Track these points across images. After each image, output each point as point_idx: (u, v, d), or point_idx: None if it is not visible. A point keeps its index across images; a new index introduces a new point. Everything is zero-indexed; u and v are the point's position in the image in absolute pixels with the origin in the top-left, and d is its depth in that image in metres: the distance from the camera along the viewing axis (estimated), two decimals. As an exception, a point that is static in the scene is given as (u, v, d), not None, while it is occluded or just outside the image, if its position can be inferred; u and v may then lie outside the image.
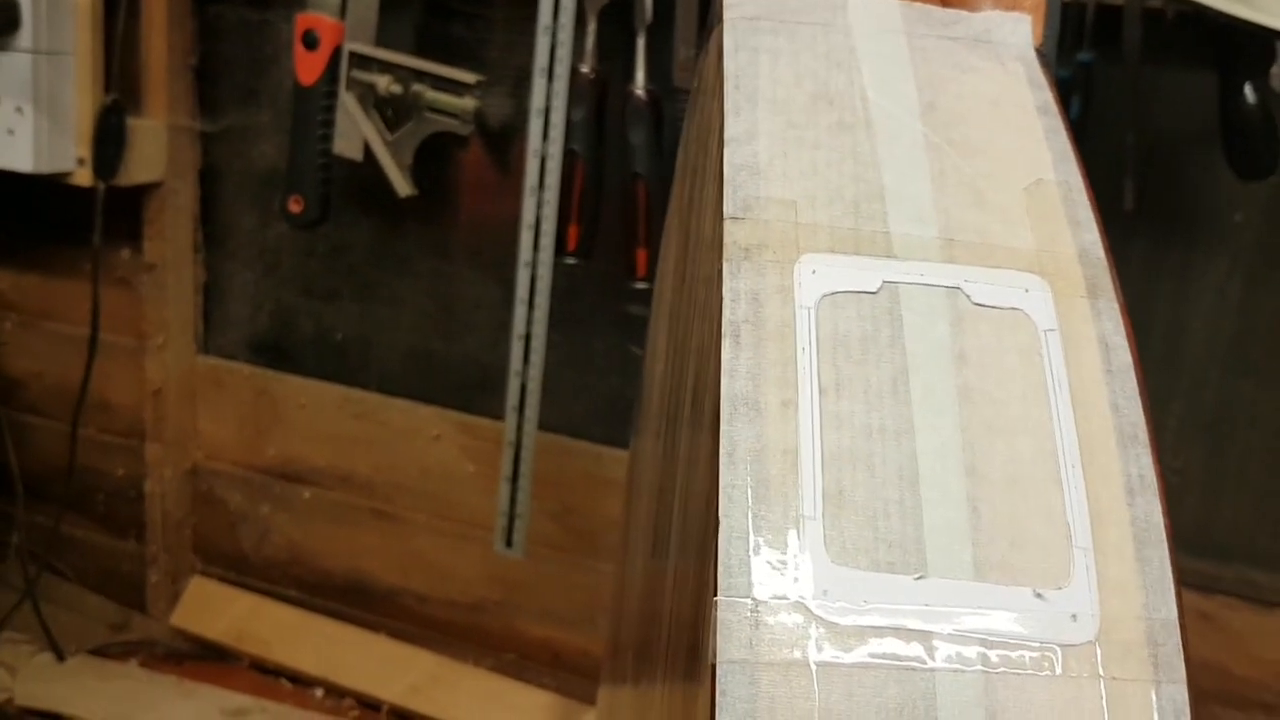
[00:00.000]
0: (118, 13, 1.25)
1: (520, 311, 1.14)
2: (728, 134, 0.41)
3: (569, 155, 1.10)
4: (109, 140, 1.26)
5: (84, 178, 1.26)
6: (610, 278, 1.19)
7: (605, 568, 1.29)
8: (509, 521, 1.19)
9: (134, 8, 1.28)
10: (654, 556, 0.61)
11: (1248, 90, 0.90)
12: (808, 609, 0.32)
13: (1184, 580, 0.34)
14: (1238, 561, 1.07)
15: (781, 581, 0.32)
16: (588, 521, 1.29)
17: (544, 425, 1.17)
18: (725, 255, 0.38)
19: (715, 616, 0.32)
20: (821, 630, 0.32)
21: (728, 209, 0.39)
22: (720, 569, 0.33)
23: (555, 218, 1.11)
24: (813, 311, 0.37)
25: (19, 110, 1.21)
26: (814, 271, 0.38)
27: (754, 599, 0.32)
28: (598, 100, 1.10)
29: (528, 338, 1.14)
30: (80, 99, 1.25)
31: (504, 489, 1.18)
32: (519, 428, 1.16)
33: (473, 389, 1.35)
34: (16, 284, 1.51)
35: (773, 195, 0.39)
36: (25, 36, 1.20)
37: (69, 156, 1.25)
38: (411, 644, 1.41)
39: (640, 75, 1.08)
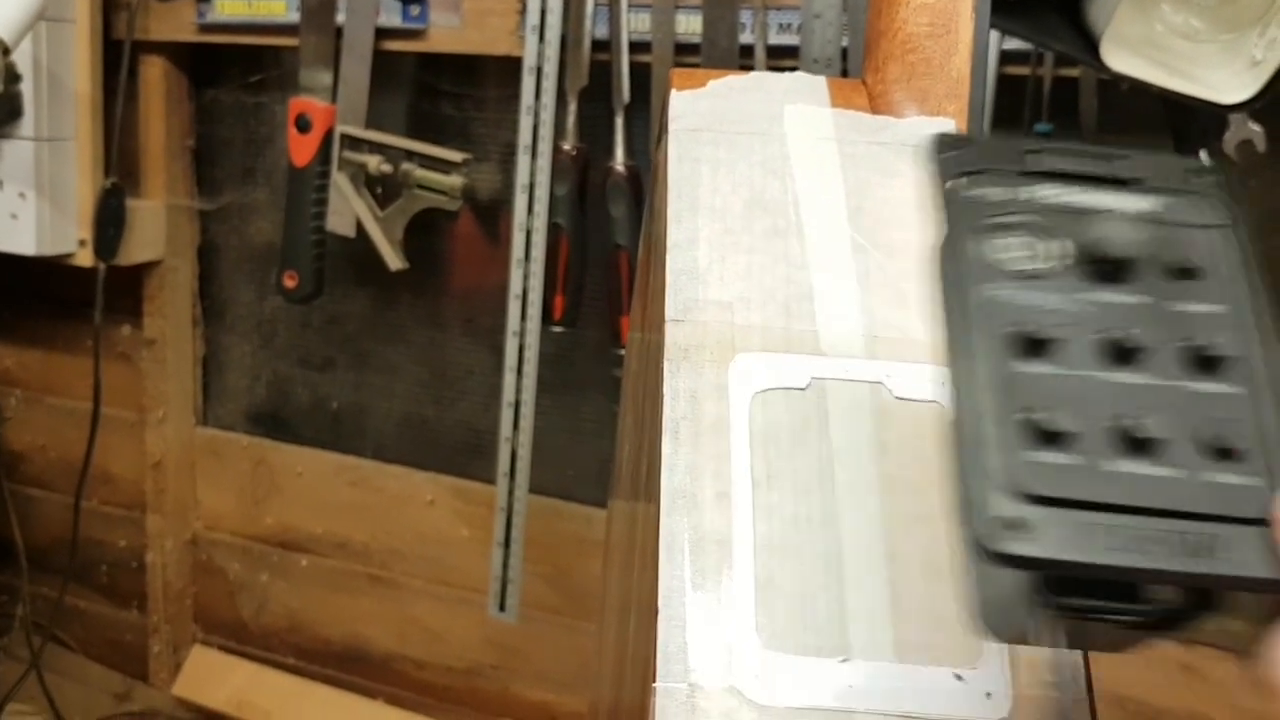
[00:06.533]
0: (116, 99, 1.29)
1: (509, 379, 1.16)
2: (670, 240, 0.44)
3: (553, 229, 1.13)
4: (109, 222, 1.30)
5: (85, 259, 1.30)
6: (596, 344, 1.22)
7: (597, 629, 1.31)
8: (502, 586, 1.20)
9: (132, 93, 1.32)
10: (623, 616, 0.63)
11: (1202, 157, 0.93)
12: (740, 693, 0.35)
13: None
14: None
15: (716, 667, 0.35)
16: (580, 584, 1.31)
17: (535, 488, 1.19)
18: (666, 355, 0.41)
19: (654, 702, 0.34)
20: (753, 713, 0.34)
21: (669, 311, 0.42)
22: (659, 655, 0.35)
23: (541, 288, 1.14)
24: (746, 407, 0.40)
25: (22, 195, 1.25)
26: (747, 369, 0.41)
27: (690, 684, 0.35)
28: (580, 176, 1.13)
29: (517, 405, 1.17)
30: (81, 183, 1.29)
31: (496, 554, 1.20)
32: (510, 493, 1.19)
33: (467, 454, 1.37)
34: (20, 360, 1.54)
35: (710, 298, 0.42)
36: (27, 125, 1.24)
37: (71, 239, 1.29)
38: (409, 710, 1.42)
39: (619, 151, 1.12)
